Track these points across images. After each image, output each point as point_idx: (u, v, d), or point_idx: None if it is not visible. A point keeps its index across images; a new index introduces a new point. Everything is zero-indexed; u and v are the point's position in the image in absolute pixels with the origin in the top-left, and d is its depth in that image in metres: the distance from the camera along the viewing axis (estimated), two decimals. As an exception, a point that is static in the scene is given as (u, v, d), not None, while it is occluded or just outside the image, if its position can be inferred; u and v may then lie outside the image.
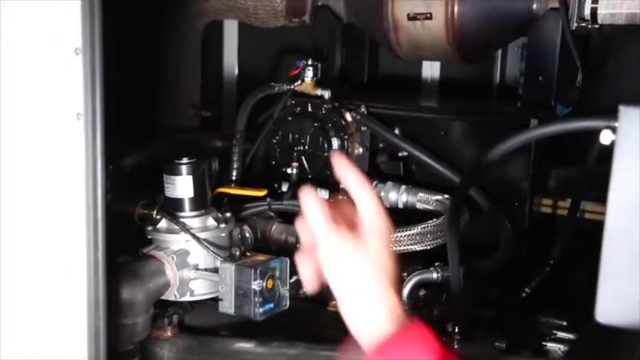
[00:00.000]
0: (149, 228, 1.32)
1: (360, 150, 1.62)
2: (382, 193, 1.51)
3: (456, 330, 1.23)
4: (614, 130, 0.81)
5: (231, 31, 2.18)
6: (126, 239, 1.34)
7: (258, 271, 1.15)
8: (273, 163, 1.63)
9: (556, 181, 1.62)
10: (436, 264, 1.36)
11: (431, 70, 1.84)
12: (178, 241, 1.28)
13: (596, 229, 0.79)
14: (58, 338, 0.95)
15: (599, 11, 1.52)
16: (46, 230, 0.95)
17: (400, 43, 1.70)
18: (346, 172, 0.78)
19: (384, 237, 0.77)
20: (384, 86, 1.92)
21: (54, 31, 0.89)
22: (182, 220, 1.30)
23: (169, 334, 1.28)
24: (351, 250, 0.76)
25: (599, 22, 1.53)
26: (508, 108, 1.69)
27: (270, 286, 1.18)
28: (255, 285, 1.15)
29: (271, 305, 1.18)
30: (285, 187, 1.59)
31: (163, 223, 1.32)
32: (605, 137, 0.82)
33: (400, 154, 1.61)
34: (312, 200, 0.77)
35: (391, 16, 1.67)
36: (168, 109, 1.98)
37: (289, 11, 1.86)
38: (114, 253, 1.06)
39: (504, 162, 1.43)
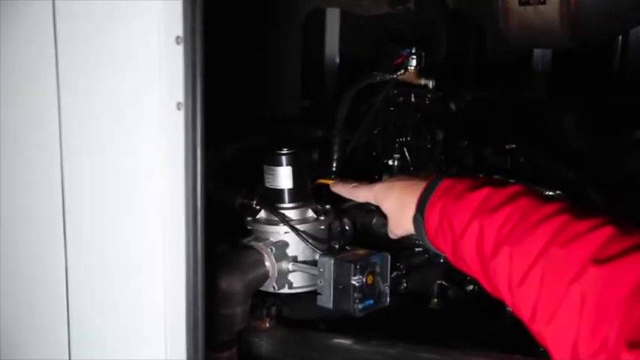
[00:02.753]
0: (249, 218, 1.31)
1: (465, 142, 1.55)
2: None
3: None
4: None
5: (333, 19, 2.15)
6: (225, 229, 1.34)
7: (358, 267, 1.12)
8: (375, 153, 1.59)
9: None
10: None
11: (542, 58, 1.74)
12: (277, 232, 1.26)
13: None
14: (157, 328, 0.95)
15: None
16: (144, 219, 0.96)
17: (510, 29, 1.62)
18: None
19: None
20: (490, 75, 1.84)
21: (155, 20, 0.89)
22: (281, 211, 1.28)
23: (267, 325, 1.27)
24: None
25: None
26: (629, 101, 1.58)
27: (370, 282, 1.14)
28: (355, 280, 1.12)
29: (371, 301, 1.15)
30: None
31: (263, 214, 1.30)
32: None
33: (507, 147, 1.53)
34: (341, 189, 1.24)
35: (502, 1, 1.59)
36: (268, 98, 1.98)
37: (393, -2, 1.81)
38: (213, 242, 1.06)
39: (622, 157, 1.34)
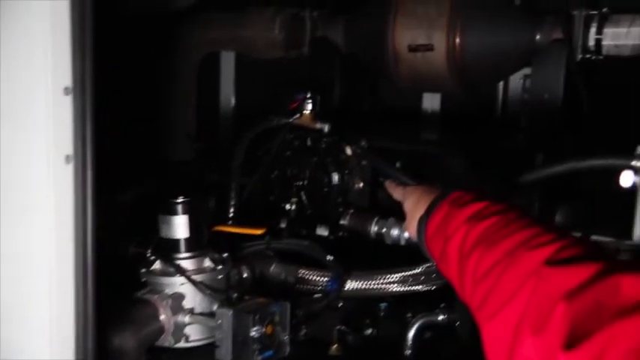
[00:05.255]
0: (143, 270, 1.27)
1: (361, 184, 1.57)
2: (384, 230, 1.44)
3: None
4: (635, 170, 0.78)
5: (228, 62, 2.15)
6: (118, 280, 1.28)
7: (257, 317, 1.10)
8: (272, 198, 1.59)
9: (562, 216, 1.58)
10: (441, 305, 1.30)
11: (431, 100, 1.81)
12: (173, 284, 1.23)
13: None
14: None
15: (603, 42, 1.50)
16: (32, 275, 0.90)
17: (400, 74, 1.67)
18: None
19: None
20: (384, 118, 1.89)
21: (43, 71, 0.85)
22: (177, 261, 1.25)
23: (163, 381, 1.23)
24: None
25: (604, 53, 1.51)
26: (512, 141, 1.66)
27: (269, 332, 1.12)
28: (254, 331, 1.10)
29: (271, 352, 1.13)
30: (283, 224, 1.54)
31: (158, 265, 1.26)
32: (626, 179, 0.79)
33: (402, 189, 1.56)
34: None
35: (392, 48, 1.64)
36: (163, 140, 1.95)
37: (288, 42, 1.84)
38: (105, 296, 1.02)
39: (511, 196, 1.39)
